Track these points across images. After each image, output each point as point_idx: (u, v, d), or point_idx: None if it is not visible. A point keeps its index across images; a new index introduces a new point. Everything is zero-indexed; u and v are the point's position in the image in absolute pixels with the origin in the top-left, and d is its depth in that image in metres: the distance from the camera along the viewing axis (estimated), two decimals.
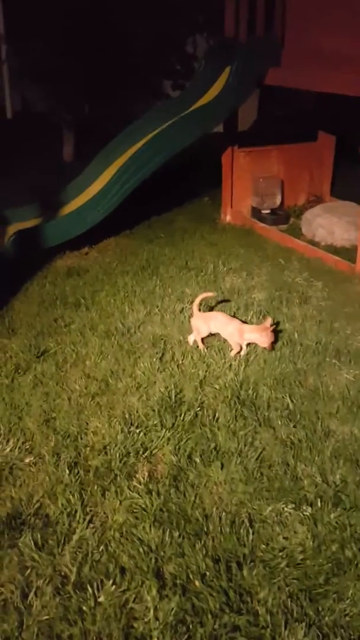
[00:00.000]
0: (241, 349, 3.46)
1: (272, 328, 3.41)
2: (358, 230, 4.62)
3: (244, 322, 3.60)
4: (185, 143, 4.80)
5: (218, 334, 3.57)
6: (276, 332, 3.54)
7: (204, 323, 3.53)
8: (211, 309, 4.01)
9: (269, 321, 3.40)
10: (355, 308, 4.07)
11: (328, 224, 5.29)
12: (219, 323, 3.51)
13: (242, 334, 3.40)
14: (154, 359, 3.42)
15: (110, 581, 2.05)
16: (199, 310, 3.59)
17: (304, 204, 6.23)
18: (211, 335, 3.58)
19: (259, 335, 3.38)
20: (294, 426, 2.83)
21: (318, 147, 6.17)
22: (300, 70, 4.76)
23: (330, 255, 4.88)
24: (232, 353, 3.44)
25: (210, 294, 3.76)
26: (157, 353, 3.49)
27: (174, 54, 8.80)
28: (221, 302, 4.15)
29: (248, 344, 3.48)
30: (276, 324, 3.61)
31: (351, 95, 4.22)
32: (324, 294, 4.29)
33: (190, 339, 3.59)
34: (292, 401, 3.02)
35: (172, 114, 5.03)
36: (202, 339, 3.56)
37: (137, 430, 2.81)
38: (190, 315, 3.65)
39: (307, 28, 4.63)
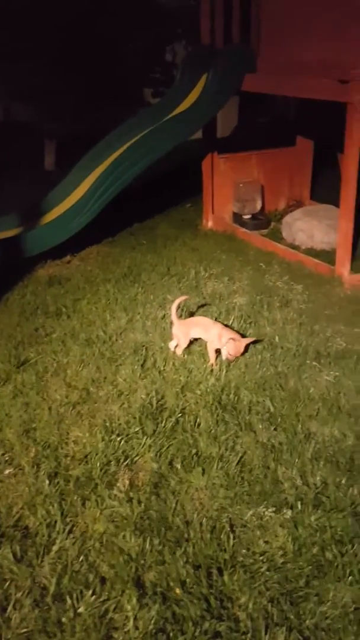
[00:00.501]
0: (217, 356, 3.44)
1: (245, 342, 3.38)
2: (337, 233, 4.65)
3: (227, 326, 3.60)
4: (165, 150, 4.81)
5: (200, 339, 3.56)
6: (247, 347, 3.48)
7: (186, 331, 3.50)
8: (192, 314, 4.01)
9: (247, 340, 3.42)
10: (335, 310, 4.09)
11: (308, 228, 5.33)
12: (201, 328, 3.50)
13: (220, 339, 3.39)
14: (136, 366, 3.41)
15: (90, 591, 2.02)
16: (178, 317, 3.57)
17: (284, 208, 6.27)
18: (194, 340, 3.57)
19: (231, 345, 3.34)
20: (275, 429, 2.83)
21: (297, 152, 6.22)
22: (276, 77, 4.80)
23: (311, 258, 4.91)
24: (210, 363, 3.40)
25: (183, 298, 3.74)
26: (138, 360, 3.48)
27: (154, 62, 8.86)
28: (202, 306, 4.15)
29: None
30: (254, 342, 3.58)
31: (326, 101, 4.26)
32: (305, 297, 4.31)
33: (171, 345, 3.58)
34: (273, 404, 3.02)
35: (151, 121, 5.05)
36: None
37: (118, 438, 2.80)
38: (171, 324, 3.63)
39: (283, 35, 4.67)
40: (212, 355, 3.41)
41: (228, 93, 5.13)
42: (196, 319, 3.67)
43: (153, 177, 6.75)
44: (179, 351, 3.52)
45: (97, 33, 7.11)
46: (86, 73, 7.34)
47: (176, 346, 3.55)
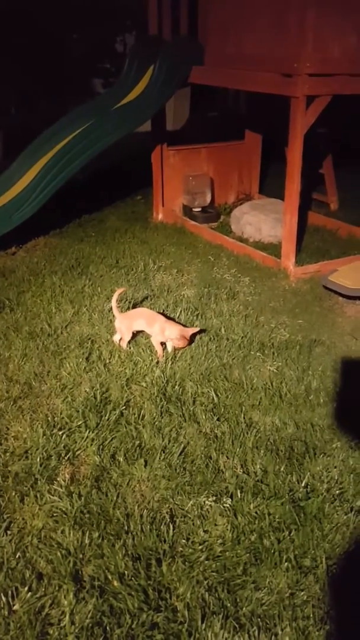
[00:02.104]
0: (164, 348, 3.43)
1: (190, 332, 3.36)
2: (282, 227, 4.71)
3: (171, 319, 3.59)
4: (111, 141, 4.74)
5: (144, 331, 3.54)
6: (193, 337, 3.49)
7: (128, 324, 3.46)
8: (135, 306, 3.98)
9: (192, 329, 3.38)
10: (279, 302, 4.15)
11: (256, 221, 5.38)
12: (144, 320, 3.48)
13: (163, 332, 3.37)
14: (81, 360, 3.36)
15: (26, 588, 1.98)
16: (120, 309, 3.52)
17: (233, 201, 6.31)
18: (137, 333, 3.54)
19: (175, 339, 3.33)
20: (218, 419, 2.85)
21: (246, 146, 6.27)
22: (222, 70, 4.81)
23: (258, 251, 4.96)
24: (159, 356, 3.38)
25: (122, 290, 3.67)
26: (83, 353, 3.43)
27: (104, 53, 8.75)
28: (146, 297, 4.13)
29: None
30: (200, 331, 3.57)
31: (273, 95, 4.29)
32: (251, 289, 4.35)
33: (115, 338, 3.55)
34: (217, 395, 3.03)
35: (98, 111, 4.97)
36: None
37: (60, 433, 2.74)
38: (114, 317, 3.59)
39: (229, 28, 4.67)
40: (158, 348, 3.39)
41: (175, 84, 5.10)
42: (138, 311, 3.63)
43: (103, 169, 6.68)
44: (124, 344, 3.48)
45: (37, 22, 6.94)
46: (29, 63, 7.17)
47: (120, 339, 3.51)
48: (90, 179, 6.57)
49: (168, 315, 3.69)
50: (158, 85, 4.93)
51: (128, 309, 3.94)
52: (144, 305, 4.00)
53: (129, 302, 4.06)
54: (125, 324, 3.46)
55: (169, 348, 3.43)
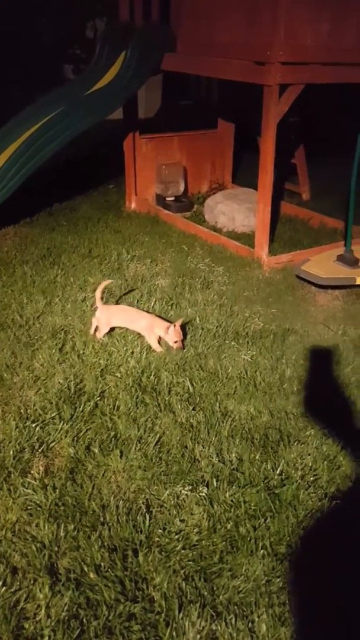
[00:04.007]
0: (159, 341, 3.36)
1: (176, 325, 3.25)
2: (256, 216, 4.72)
3: (159, 316, 3.52)
4: (82, 128, 4.65)
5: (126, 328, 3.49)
6: (184, 330, 3.45)
7: (107, 319, 3.42)
8: (117, 300, 3.93)
9: (178, 321, 3.28)
10: (253, 292, 4.16)
11: (229, 211, 5.37)
12: (125, 318, 3.43)
13: (152, 329, 3.32)
14: (54, 350, 3.31)
15: (0, 582, 1.95)
16: (102, 301, 3.47)
17: (207, 191, 6.29)
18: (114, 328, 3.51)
19: (164, 333, 3.29)
20: (194, 409, 2.84)
21: (218, 135, 6.25)
22: (195, 57, 4.76)
23: (232, 241, 4.96)
24: (157, 350, 3.32)
25: (107, 282, 3.67)
26: (57, 344, 3.38)
27: (74, 39, 8.59)
28: (128, 292, 4.08)
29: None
30: (187, 323, 3.54)
31: (246, 84, 4.27)
32: (225, 278, 4.35)
33: (92, 328, 3.51)
34: (192, 385, 3.03)
35: (68, 98, 4.88)
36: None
37: (34, 425, 2.70)
38: (94, 307, 3.54)
39: (201, 15, 4.62)
40: (155, 346, 3.34)
41: (146, 71, 5.03)
42: (121, 308, 3.57)
43: (74, 157, 6.57)
44: (99, 335, 3.44)
45: (5, 8, 6.75)
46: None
47: (96, 330, 3.47)
48: (61, 167, 6.46)
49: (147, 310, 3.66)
50: (130, 71, 4.85)
51: (117, 302, 3.90)
52: (123, 298, 3.96)
53: (102, 293, 4.00)
54: (104, 316, 3.41)
55: (173, 346, 3.32)
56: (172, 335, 3.25)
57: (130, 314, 3.46)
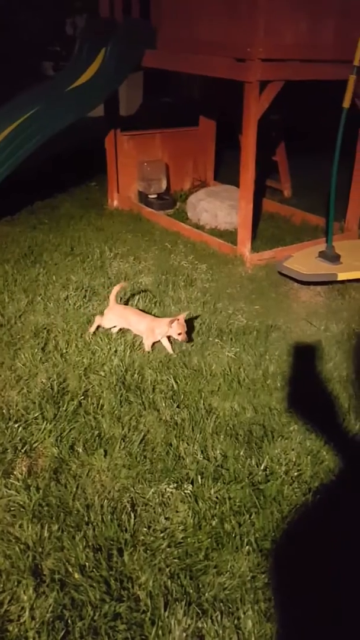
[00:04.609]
0: (153, 346, 3.32)
1: (180, 318, 3.21)
2: (238, 213, 4.72)
3: (158, 317, 3.47)
4: (61, 125, 4.61)
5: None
6: (189, 322, 3.41)
7: (115, 317, 3.40)
8: (127, 301, 3.88)
9: (182, 315, 3.25)
10: (236, 289, 4.17)
11: (212, 208, 5.37)
12: (129, 320, 3.38)
13: (154, 331, 3.26)
14: (36, 350, 3.28)
15: None
16: (117, 301, 3.46)
17: (189, 188, 6.29)
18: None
19: (167, 328, 3.21)
20: (178, 406, 2.84)
21: (200, 132, 6.24)
22: (175, 54, 4.74)
23: (215, 238, 4.96)
24: (146, 350, 3.30)
25: (124, 284, 3.62)
26: (39, 343, 3.35)
27: (54, 36, 8.51)
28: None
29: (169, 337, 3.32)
30: (195, 317, 3.51)
31: (228, 81, 4.26)
32: (208, 276, 4.35)
33: (93, 327, 3.47)
34: (176, 382, 3.02)
35: (47, 95, 4.83)
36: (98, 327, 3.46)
37: (16, 425, 2.67)
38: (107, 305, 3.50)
39: (182, 12, 4.61)
40: (147, 346, 3.31)
41: (127, 68, 5.00)
42: (127, 311, 3.46)
43: (55, 154, 6.51)
44: (91, 329, 3.45)
45: None
46: None
47: (97, 327, 3.47)
48: (42, 165, 6.40)
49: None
50: (110, 68, 4.82)
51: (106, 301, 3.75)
52: (103, 292, 3.94)
53: (86, 291, 3.99)
54: (109, 313, 3.41)
55: (179, 340, 3.28)
56: (176, 328, 3.21)
57: (134, 317, 3.39)
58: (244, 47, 3.97)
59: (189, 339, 3.34)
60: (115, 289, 3.47)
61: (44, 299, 3.88)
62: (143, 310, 3.58)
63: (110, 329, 3.47)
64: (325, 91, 4.82)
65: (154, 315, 3.56)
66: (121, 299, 3.85)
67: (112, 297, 3.45)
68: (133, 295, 3.97)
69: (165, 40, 4.83)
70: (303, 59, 4.21)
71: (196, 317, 3.65)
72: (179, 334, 3.22)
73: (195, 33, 4.50)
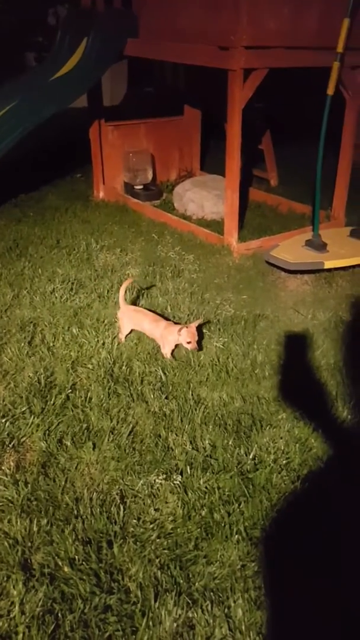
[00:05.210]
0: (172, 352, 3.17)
1: (191, 326, 3.03)
2: (224, 203, 4.70)
3: (175, 322, 3.29)
4: (43, 117, 4.53)
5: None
6: (200, 330, 3.24)
7: (126, 320, 3.26)
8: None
9: (194, 323, 3.07)
10: (224, 279, 4.16)
11: (198, 198, 5.34)
12: (143, 325, 3.23)
13: (167, 338, 3.09)
14: (23, 344, 3.25)
15: None
16: (125, 301, 3.31)
17: (175, 178, 6.25)
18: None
19: (177, 336, 3.04)
20: (166, 398, 2.83)
21: (185, 122, 6.20)
22: (158, 42, 4.69)
23: (202, 228, 4.94)
24: (166, 357, 3.15)
25: (130, 280, 3.45)
26: (25, 337, 3.32)
27: (36, 26, 8.40)
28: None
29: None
30: (205, 322, 3.40)
31: (212, 70, 4.22)
32: (196, 266, 4.34)
33: (122, 336, 3.32)
34: (164, 373, 3.01)
35: (29, 86, 4.76)
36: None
37: (3, 420, 2.65)
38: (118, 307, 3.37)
39: (164, 1, 4.55)
40: (167, 354, 3.16)
41: (110, 57, 4.94)
42: (141, 314, 3.28)
43: (40, 146, 6.44)
44: (121, 337, 3.30)
45: None
46: None
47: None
48: (26, 156, 6.33)
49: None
50: (92, 58, 4.76)
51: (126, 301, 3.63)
52: (90, 285, 3.91)
53: (72, 284, 3.96)
54: (124, 318, 3.27)
55: (189, 348, 3.10)
56: (185, 336, 3.01)
57: (146, 322, 3.21)
58: (227, 35, 3.93)
59: (199, 347, 3.17)
60: (122, 289, 3.29)
61: (30, 293, 3.85)
62: (155, 312, 3.39)
63: (130, 332, 3.32)
64: (309, 79, 4.80)
65: (149, 310, 3.37)
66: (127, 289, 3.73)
67: (121, 300, 3.28)
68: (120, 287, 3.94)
69: (147, 29, 4.77)
70: (287, 46, 4.17)
71: (199, 321, 3.32)
72: (188, 342, 3.02)
73: (177, 21, 4.45)
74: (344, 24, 3.97)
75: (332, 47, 4.05)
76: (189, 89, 6.32)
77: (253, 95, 4.24)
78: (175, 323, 3.23)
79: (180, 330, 3.02)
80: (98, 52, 4.78)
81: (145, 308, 3.43)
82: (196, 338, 3.06)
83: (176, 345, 3.16)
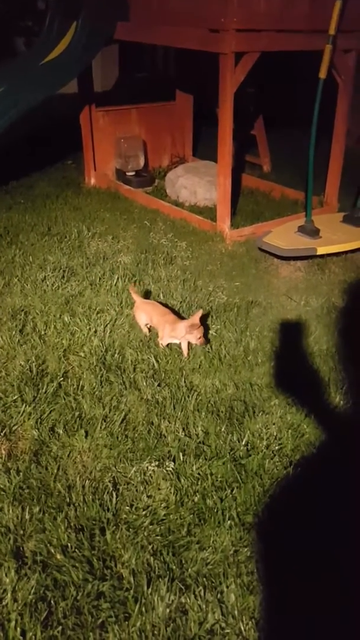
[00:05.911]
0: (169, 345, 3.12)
1: (196, 319, 2.93)
2: (217, 189, 4.66)
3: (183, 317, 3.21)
4: (34, 101, 4.47)
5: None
6: (204, 325, 3.13)
7: (144, 315, 3.20)
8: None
9: (196, 315, 2.96)
10: (216, 266, 4.14)
11: (191, 185, 5.30)
12: (152, 318, 3.17)
13: (170, 333, 3.02)
14: (14, 332, 3.23)
15: None
16: (138, 294, 3.28)
17: (167, 165, 6.20)
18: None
19: (184, 333, 2.96)
20: (159, 385, 2.82)
21: (177, 107, 6.13)
22: (148, 26, 4.62)
23: (194, 215, 4.91)
24: (184, 354, 3.05)
25: (134, 289, 3.33)
26: (16, 325, 3.30)
27: (25, 10, 8.26)
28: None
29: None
30: (205, 314, 3.34)
31: (203, 55, 4.16)
32: (188, 253, 4.31)
33: (145, 329, 3.26)
34: (157, 361, 3.00)
35: (17, 71, 4.68)
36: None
37: None
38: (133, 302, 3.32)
39: None
40: (161, 345, 3.11)
41: (99, 41, 4.86)
42: (151, 306, 3.23)
43: (30, 132, 6.36)
44: (145, 330, 3.25)
45: None
46: None
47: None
48: (16, 143, 6.24)
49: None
50: (82, 42, 4.68)
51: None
52: (81, 273, 3.88)
53: (64, 271, 3.92)
54: (137, 313, 3.24)
55: (194, 343, 3.05)
56: (196, 334, 2.95)
57: (155, 315, 3.14)
58: (218, 17, 3.87)
59: (207, 340, 3.11)
60: (131, 290, 3.27)
61: (21, 281, 3.81)
62: (166, 305, 3.32)
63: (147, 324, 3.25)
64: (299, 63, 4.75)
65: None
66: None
67: (133, 295, 3.25)
68: (112, 274, 3.92)
69: (137, 12, 4.70)
70: (278, 29, 4.12)
71: (207, 314, 3.40)
72: (199, 338, 2.97)
73: (167, 4, 4.38)
74: (336, 6, 3.92)
75: (324, 30, 4.00)
76: (180, 73, 6.24)
77: (245, 80, 4.19)
78: (182, 318, 3.15)
79: (190, 327, 2.92)
80: (87, 36, 4.70)
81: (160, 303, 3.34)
82: (202, 331, 2.99)
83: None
